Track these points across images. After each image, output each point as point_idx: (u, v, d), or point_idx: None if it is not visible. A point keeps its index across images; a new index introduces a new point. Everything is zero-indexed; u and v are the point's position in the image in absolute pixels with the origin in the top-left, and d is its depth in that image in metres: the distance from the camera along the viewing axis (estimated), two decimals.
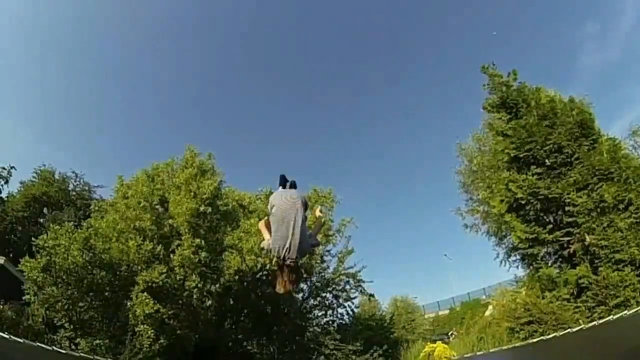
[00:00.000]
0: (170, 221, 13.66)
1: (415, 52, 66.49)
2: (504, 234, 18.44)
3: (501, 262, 18.78)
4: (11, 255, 18.37)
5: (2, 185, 23.28)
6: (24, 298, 12.67)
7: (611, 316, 7.71)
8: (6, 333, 6.72)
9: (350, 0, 61.12)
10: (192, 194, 13.63)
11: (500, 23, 59.63)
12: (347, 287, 17.90)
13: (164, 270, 12.17)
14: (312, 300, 17.66)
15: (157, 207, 14.33)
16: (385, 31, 65.40)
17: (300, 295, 17.26)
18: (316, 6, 61.53)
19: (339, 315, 18.29)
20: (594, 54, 56.27)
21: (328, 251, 17.94)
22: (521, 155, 12.02)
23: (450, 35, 64.23)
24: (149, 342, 11.46)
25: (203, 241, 13.11)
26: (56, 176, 26.01)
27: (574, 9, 54.20)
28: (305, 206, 3.37)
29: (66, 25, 54.98)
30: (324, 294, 17.65)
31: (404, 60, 67.52)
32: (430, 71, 66.92)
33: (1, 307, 12.13)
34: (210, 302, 13.16)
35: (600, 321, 7.57)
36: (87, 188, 26.80)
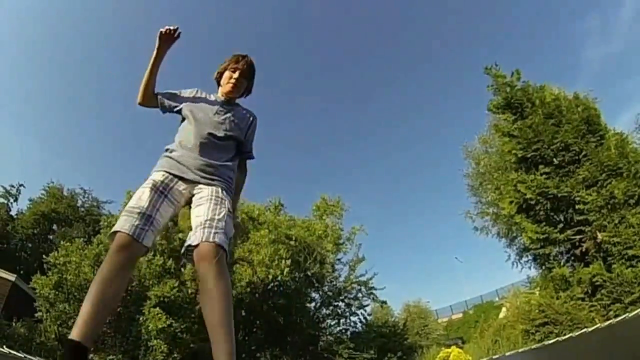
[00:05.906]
0: (180, 235, 13.69)
1: (417, 55, 66.78)
2: (514, 235, 18.30)
3: (513, 263, 18.58)
4: (22, 272, 18.45)
5: (11, 203, 23.63)
6: (36, 315, 12.73)
7: (627, 314, 7.60)
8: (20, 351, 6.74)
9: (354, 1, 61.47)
10: None
11: (501, 21, 59.89)
12: (359, 295, 17.83)
13: (175, 285, 12.17)
14: (324, 309, 17.56)
15: None
16: (389, 34, 65.74)
17: (313, 304, 17.21)
18: (321, 8, 61.98)
19: (351, 324, 18.20)
20: (595, 48, 56.20)
21: (339, 260, 17.94)
22: (528, 156, 11.96)
23: (452, 37, 64.47)
24: (162, 357, 11.42)
25: None
26: (65, 192, 26.12)
27: (573, 3, 54.22)
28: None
29: (73, 36, 55.70)
30: (336, 303, 17.56)
31: (407, 65, 67.82)
32: (434, 74, 67.11)
33: (14, 324, 12.18)
34: None
35: (617, 319, 7.46)
36: (95, 204, 26.89)
